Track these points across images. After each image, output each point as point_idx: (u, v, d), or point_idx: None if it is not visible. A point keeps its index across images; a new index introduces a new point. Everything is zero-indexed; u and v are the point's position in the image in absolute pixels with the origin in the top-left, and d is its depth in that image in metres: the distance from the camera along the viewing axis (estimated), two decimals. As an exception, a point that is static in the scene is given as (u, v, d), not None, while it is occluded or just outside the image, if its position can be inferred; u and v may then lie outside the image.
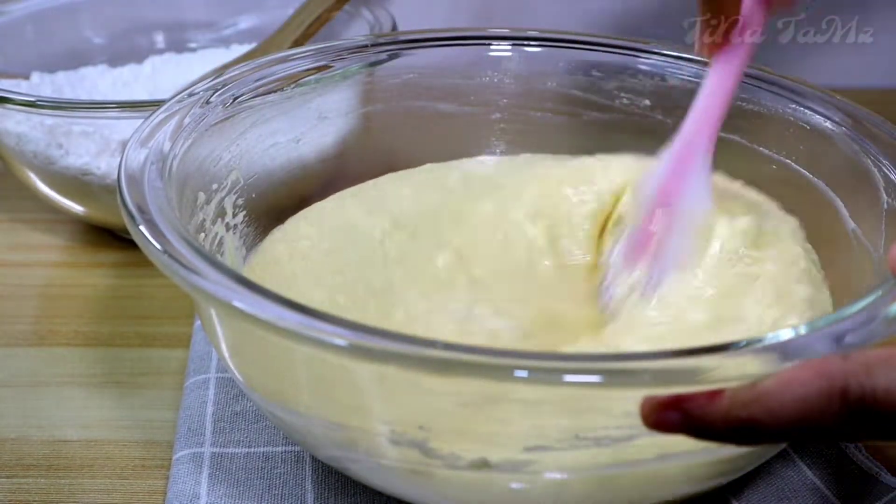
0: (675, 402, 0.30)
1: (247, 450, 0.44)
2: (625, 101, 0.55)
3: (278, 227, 0.50)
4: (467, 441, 0.34)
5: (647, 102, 0.55)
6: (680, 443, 0.31)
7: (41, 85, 0.65)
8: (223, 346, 0.39)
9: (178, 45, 0.73)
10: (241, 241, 0.48)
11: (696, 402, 0.30)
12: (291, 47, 0.64)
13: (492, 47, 0.56)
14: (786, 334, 0.32)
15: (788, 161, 0.50)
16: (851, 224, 0.45)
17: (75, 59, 0.69)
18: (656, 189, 0.43)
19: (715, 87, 0.43)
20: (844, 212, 0.46)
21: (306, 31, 0.64)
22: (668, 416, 0.30)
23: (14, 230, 0.64)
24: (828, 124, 0.47)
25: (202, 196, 0.45)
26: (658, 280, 0.42)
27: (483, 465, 0.34)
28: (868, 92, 0.78)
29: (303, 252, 0.47)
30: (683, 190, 0.43)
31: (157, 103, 0.47)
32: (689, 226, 0.43)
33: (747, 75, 0.51)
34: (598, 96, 0.56)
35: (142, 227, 0.36)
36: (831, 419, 0.28)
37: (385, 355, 0.30)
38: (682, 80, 0.53)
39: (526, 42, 0.56)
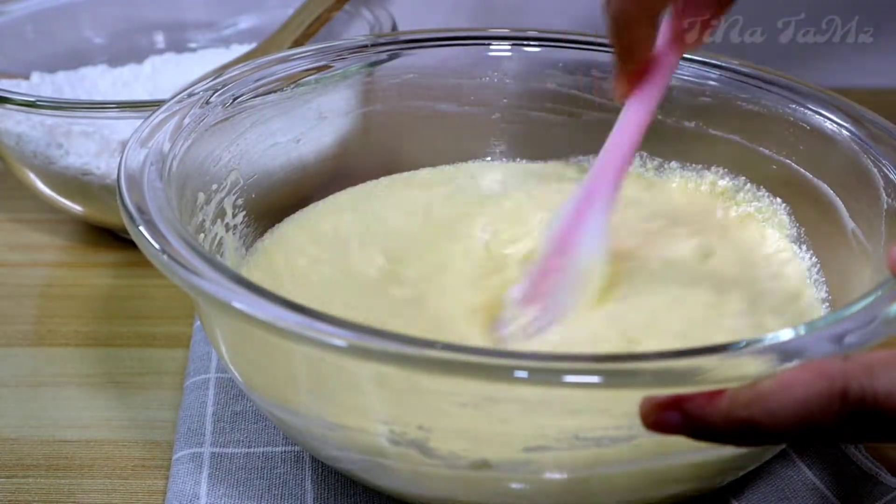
0: (675, 403, 0.30)
1: (247, 450, 0.44)
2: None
3: (277, 226, 0.50)
4: (467, 441, 0.34)
5: (647, 102, 0.55)
6: (680, 443, 0.31)
7: (41, 85, 0.65)
8: (223, 347, 0.39)
9: (178, 45, 0.73)
10: (241, 242, 0.48)
11: (695, 403, 0.30)
12: (291, 47, 0.64)
13: (492, 47, 0.56)
14: (785, 334, 0.32)
15: (789, 161, 0.50)
16: (851, 224, 0.45)
17: (75, 59, 0.69)
18: (555, 234, 0.43)
19: (623, 132, 0.42)
20: (844, 212, 0.46)
21: (306, 31, 0.64)
22: (667, 416, 0.30)
23: (14, 230, 0.64)
24: (828, 124, 0.47)
25: (202, 196, 0.45)
26: (543, 324, 0.42)
27: (483, 465, 0.34)
28: (868, 92, 0.78)
29: (297, 260, 0.48)
30: (579, 239, 0.42)
31: (157, 103, 0.47)
32: (579, 275, 0.42)
33: (747, 75, 0.51)
34: (598, 96, 0.56)
35: (141, 228, 0.36)
36: (831, 420, 0.28)
37: (384, 356, 0.30)
38: (682, 80, 0.53)
39: (526, 42, 0.56)
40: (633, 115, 0.42)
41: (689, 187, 0.54)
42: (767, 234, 0.50)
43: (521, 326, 0.42)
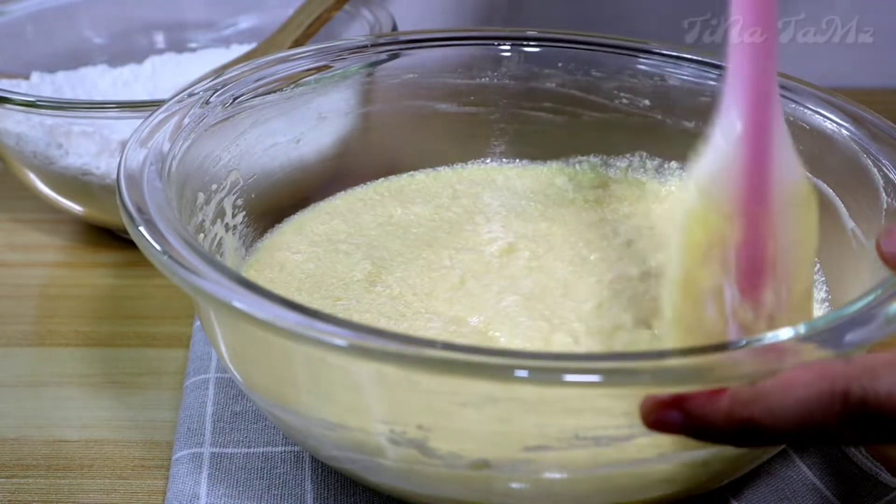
0: (676, 402, 0.30)
1: (246, 450, 0.44)
2: (624, 101, 0.55)
3: (276, 226, 0.50)
4: (467, 441, 0.34)
5: (647, 102, 0.55)
6: (680, 443, 0.31)
7: (41, 85, 0.65)
8: (222, 347, 0.39)
9: (178, 45, 0.73)
10: (241, 242, 0.48)
11: (696, 402, 0.30)
12: (291, 47, 0.64)
13: (491, 47, 0.56)
14: (785, 334, 0.32)
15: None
16: (851, 223, 0.45)
17: (75, 59, 0.69)
18: (738, 186, 0.33)
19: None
20: (844, 211, 0.46)
21: (306, 31, 0.64)
22: (667, 415, 0.30)
23: (14, 230, 0.64)
24: (828, 124, 0.47)
25: (202, 196, 0.45)
26: (789, 292, 0.34)
27: (483, 465, 0.34)
28: (868, 92, 0.78)
29: (295, 259, 0.48)
30: (770, 170, 0.33)
31: (156, 103, 0.47)
32: (795, 209, 0.34)
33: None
34: (598, 96, 0.56)
35: (141, 228, 0.36)
36: (832, 421, 0.28)
37: (384, 355, 0.30)
38: (682, 80, 0.53)
39: (526, 42, 0.56)
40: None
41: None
42: None
43: (766, 320, 0.34)
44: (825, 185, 0.47)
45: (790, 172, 0.34)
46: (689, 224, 0.34)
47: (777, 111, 0.34)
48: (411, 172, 0.56)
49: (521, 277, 0.46)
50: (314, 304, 0.42)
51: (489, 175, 0.57)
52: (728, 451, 0.34)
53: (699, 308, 0.34)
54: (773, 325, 0.33)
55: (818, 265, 0.48)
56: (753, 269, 0.33)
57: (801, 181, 0.35)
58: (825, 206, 0.47)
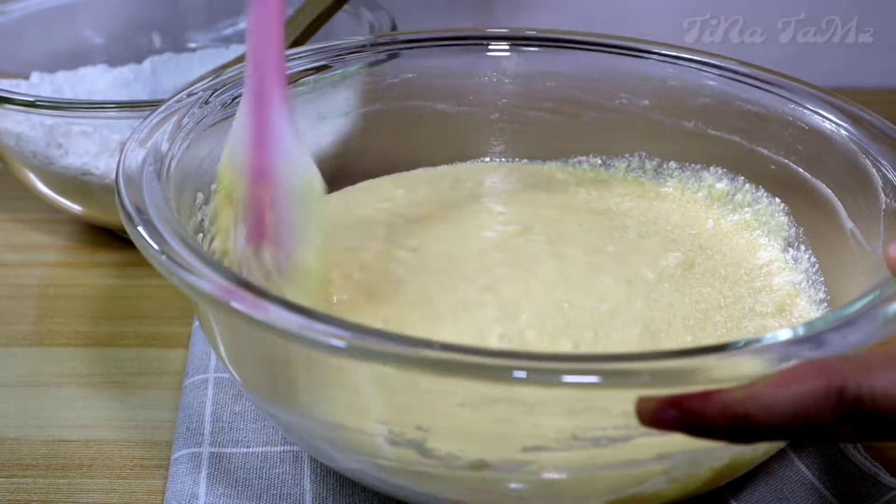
0: (672, 400, 0.30)
1: (245, 450, 0.44)
2: (624, 101, 0.55)
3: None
4: (465, 441, 0.34)
5: (647, 102, 0.55)
6: (678, 443, 0.31)
7: (41, 85, 0.66)
8: (221, 347, 0.39)
9: (177, 45, 0.73)
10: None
11: (692, 399, 0.30)
12: (291, 47, 0.64)
13: (491, 47, 0.56)
14: (784, 334, 0.32)
15: (788, 161, 0.50)
16: (850, 224, 0.45)
17: (75, 59, 0.69)
18: (246, 161, 0.38)
19: (260, 19, 0.39)
20: (843, 212, 0.46)
21: (306, 31, 0.64)
22: (664, 413, 0.30)
23: (14, 230, 0.64)
24: (827, 124, 0.47)
25: (200, 196, 0.45)
26: (287, 259, 0.38)
27: (481, 465, 0.34)
28: (868, 92, 0.78)
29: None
30: (273, 157, 0.37)
31: (156, 103, 0.47)
32: (294, 196, 0.38)
33: (747, 75, 0.51)
34: (598, 96, 0.56)
35: (140, 228, 0.36)
36: (827, 418, 0.28)
37: (383, 356, 0.30)
38: (682, 80, 0.53)
39: (525, 42, 0.56)
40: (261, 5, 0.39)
41: (686, 192, 0.54)
42: (761, 242, 0.50)
43: (263, 273, 0.38)
44: (824, 185, 0.47)
45: (292, 166, 0.38)
46: (224, 168, 0.40)
47: (276, 114, 0.38)
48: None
49: (542, 259, 0.46)
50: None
51: (491, 167, 0.57)
52: (726, 451, 0.34)
53: (229, 231, 0.40)
54: (270, 281, 0.38)
55: (817, 265, 0.48)
56: (254, 224, 0.38)
57: (307, 177, 0.38)
58: (824, 206, 0.47)
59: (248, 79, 0.38)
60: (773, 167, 0.50)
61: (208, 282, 0.33)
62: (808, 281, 0.47)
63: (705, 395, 0.30)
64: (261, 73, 0.38)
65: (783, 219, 0.50)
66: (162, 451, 0.46)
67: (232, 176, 0.40)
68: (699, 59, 0.53)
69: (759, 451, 0.37)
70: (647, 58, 0.54)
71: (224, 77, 0.48)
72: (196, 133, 0.44)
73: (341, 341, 0.31)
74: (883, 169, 0.43)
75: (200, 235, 0.43)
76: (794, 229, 0.49)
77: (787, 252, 0.49)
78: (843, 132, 0.46)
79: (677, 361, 0.30)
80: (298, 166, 0.38)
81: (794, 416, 0.28)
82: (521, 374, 0.29)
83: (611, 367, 0.30)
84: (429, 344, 0.30)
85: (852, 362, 0.29)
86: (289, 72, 0.51)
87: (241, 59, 0.64)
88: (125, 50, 0.71)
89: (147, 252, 0.35)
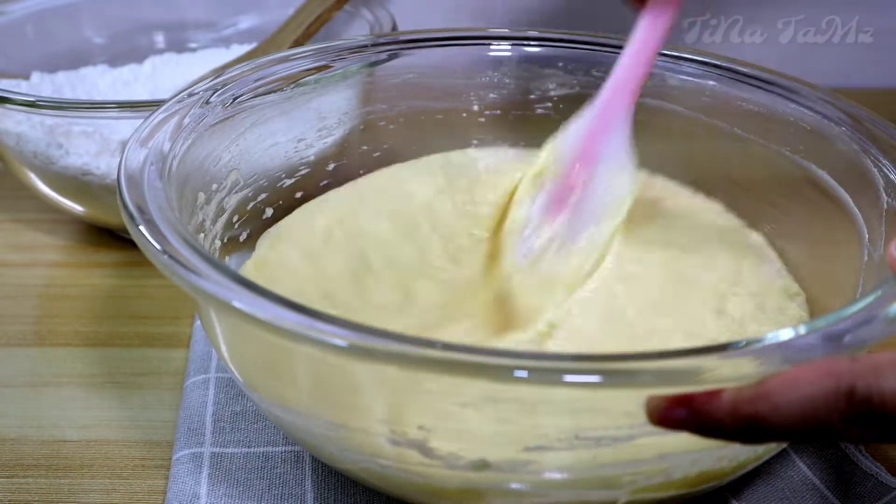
0: (681, 399, 0.30)
1: (246, 450, 0.44)
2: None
3: (276, 225, 0.50)
4: (467, 441, 0.34)
5: (647, 102, 0.55)
6: (680, 443, 0.31)
7: (41, 85, 0.66)
8: (223, 347, 0.39)
9: (178, 45, 0.74)
10: (241, 241, 0.48)
11: (701, 398, 0.30)
12: (291, 47, 0.64)
13: (492, 47, 0.56)
14: (786, 334, 0.32)
15: (788, 161, 0.49)
16: (852, 224, 0.45)
17: (75, 59, 0.69)
18: (578, 145, 0.44)
19: (642, 42, 0.43)
20: (844, 212, 0.45)
21: (306, 31, 0.64)
22: (674, 412, 0.30)
23: (14, 230, 0.64)
24: (828, 124, 0.47)
25: (202, 196, 0.45)
26: (575, 234, 0.43)
27: (483, 465, 0.34)
28: (868, 92, 0.78)
29: (293, 257, 0.48)
30: (603, 147, 0.43)
31: (157, 103, 0.47)
32: (608, 183, 0.43)
33: (747, 75, 0.51)
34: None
35: (141, 228, 0.36)
36: (837, 419, 0.28)
37: (385, 356, 0.30)
38: (682, 80, 0.53)
39: (526, 42, 0.56)
40: (650, 28, 0.43)
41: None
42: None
43: (541, 245, 0.43)
44: (824, 185, 0.47)
45: (618, 158, 0.43)
46: (545, 153, 0.47)
47: (618, 116, 0.44)
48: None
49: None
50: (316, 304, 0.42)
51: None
52: (728, 451, 0.34)
53: (523, 200, 0.46)
54: (549, 243, 0.43)
55: (816, 265, 0.48)
56: (559, 196, 0.44)
57: (628, 170, 0.44)
58: (825, 206, 0.47)
59: (610, 78, 0.44)
60: (773, 167, 0.50)
61: (210, 281, 0.33)
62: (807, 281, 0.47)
63: (714, 395, 0.30)
64: (624, 82, 0.43)
65: (783, 219, 0.50)
66: (163, 451, 0.46)
67: (551, 158, 0.46)
68: (699, 58, 0.53)
69: (759, 450, 0.37)
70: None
71: (224, 77, 0.48)
72: (197, 133, 0.44)
73: (343, 341, 0.31)
74: (884, 169, 0.43)
75: (202, 235, 0.44)
76: (794, 229, 0.49)
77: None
78: (843, 132, 0.46)
79: (680, 361, 0.30)
80: (621, 173, 0.43)
81: (803, 417, 0.28)
82: (523, 374, 0.29)
83: (612, 367, 0.30)
84: (430, 343, 0.30)
85: (862, 364, 0.29)
86: (289, 72, 0.51)
87: (241, 59, 0.65)
88: (125, 50, 0.72)
89: (149, 252, 0.35)
